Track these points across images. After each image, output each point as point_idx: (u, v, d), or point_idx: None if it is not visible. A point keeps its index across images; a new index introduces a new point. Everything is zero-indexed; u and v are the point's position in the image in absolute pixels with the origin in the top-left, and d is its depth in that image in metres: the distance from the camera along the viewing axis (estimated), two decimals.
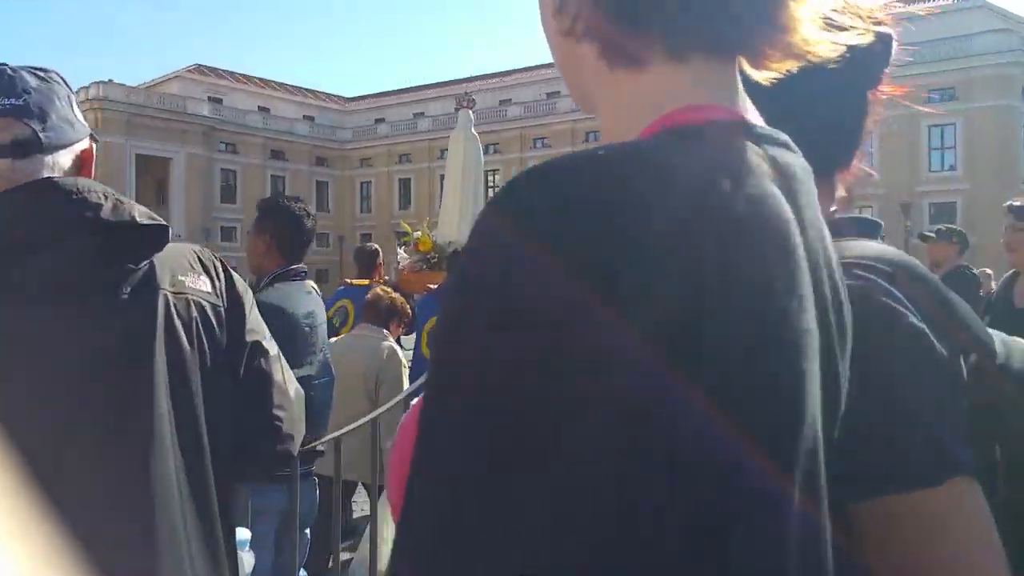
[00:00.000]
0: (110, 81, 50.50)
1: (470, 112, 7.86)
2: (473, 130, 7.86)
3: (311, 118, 62.51)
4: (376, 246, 6.19)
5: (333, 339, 3.57)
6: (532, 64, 57.19)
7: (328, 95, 67.86)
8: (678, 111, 0.56)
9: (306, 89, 66.20)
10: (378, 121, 62.65)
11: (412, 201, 57.17)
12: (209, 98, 56.12)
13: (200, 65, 60.46)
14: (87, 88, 50.11)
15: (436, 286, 5.07)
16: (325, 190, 60.85)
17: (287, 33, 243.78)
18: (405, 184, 58.49)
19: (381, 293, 4.15)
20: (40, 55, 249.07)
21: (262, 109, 59.79)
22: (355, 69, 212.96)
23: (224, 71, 61.29)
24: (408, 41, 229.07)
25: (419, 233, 6.52)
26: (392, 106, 64.00)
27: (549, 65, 55.33)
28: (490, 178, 55.19)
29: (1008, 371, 0.88)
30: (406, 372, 3.99)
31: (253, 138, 55.90)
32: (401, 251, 6.41)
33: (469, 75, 62.70)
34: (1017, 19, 41.73)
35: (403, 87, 67.12)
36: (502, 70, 61.21)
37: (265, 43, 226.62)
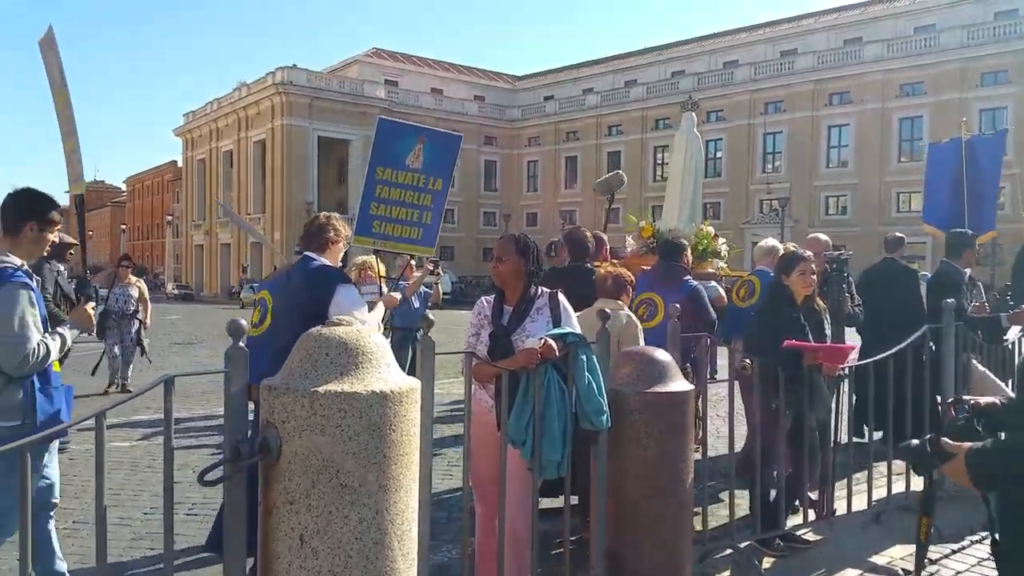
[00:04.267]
0: (294, 66, 53.13)
1: (693, 114, 8.89)
2: (696, 130, 8.84)
3: (481, 98, 63.21)
4: (601, 234, 6.33)
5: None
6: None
7: (498, 74, 68.33)
8: None
9: (477, 69, 67.02)
10: (547, 99, 62.30)
11: (579, 177, 56.39)
12: (385, 81, 57.95)
13: (378, 49, 62.51)
14: (273, 73, 52.98)
15: (648, 268, 6.09)
16: (493, 169, 61.38)
17: (463, 7, 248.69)
18: (572, 162, 57.81)
19: (603, 273, 4.73)
20: (227, 40, 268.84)
21: (435, 91, 61.04)
22: (526, 45, 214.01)
23: (400, 54, 63.06)
24: (576, 15, 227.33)
25: (643, 223, 7.64)
26: (562, 83, 63.40)
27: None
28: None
29: None
30: (640, 332, 4.61)
31: (426, 119, 57.15)
32: (629, 238, 7.73)
33: (635, 48, 60.70)
34: None
35: (572, 63, 66.29)
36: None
37: (441, 24, 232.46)
